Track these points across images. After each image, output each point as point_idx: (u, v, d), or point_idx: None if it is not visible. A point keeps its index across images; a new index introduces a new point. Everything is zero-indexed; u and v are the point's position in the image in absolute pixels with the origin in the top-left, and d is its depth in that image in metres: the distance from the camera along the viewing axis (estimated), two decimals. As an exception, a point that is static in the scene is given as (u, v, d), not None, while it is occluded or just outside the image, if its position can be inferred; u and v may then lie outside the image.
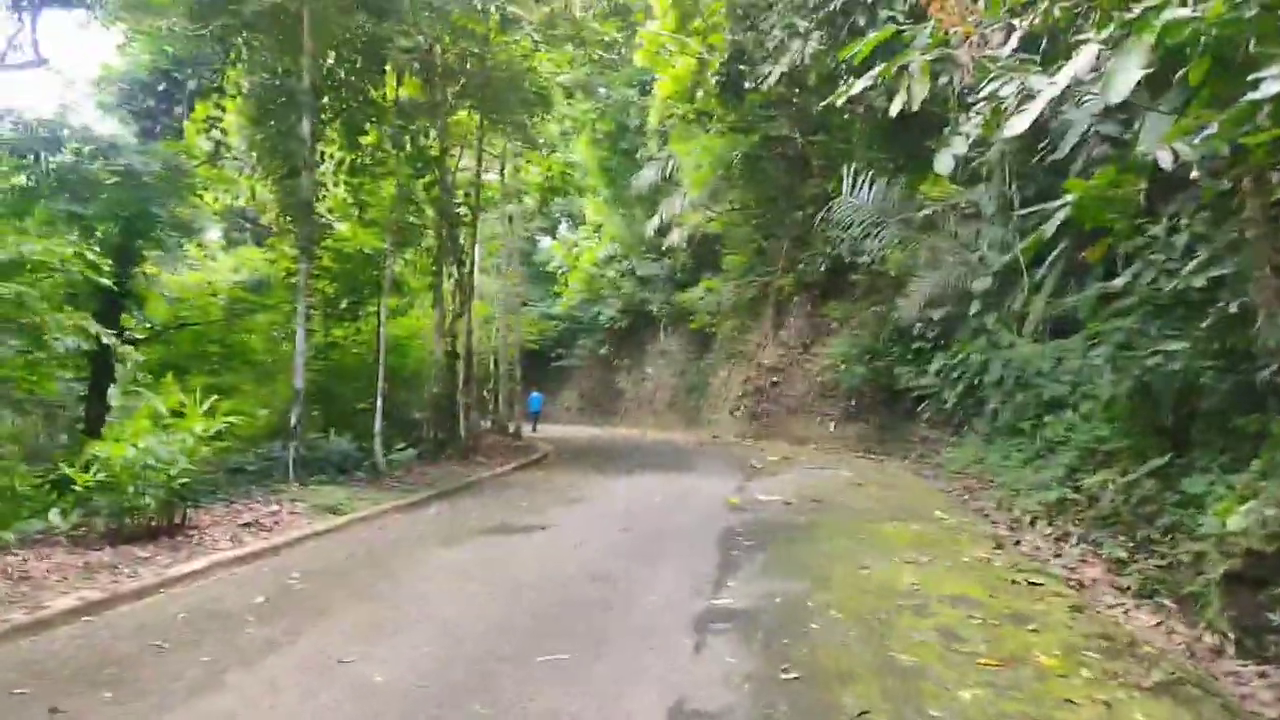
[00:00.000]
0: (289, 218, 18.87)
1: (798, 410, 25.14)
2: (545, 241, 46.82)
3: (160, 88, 16.97)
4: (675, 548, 8.38)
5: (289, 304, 19.97)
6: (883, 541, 8.62)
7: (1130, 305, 7.60)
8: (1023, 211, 10.43)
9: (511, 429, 26.05)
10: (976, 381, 14.59)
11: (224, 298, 18.00)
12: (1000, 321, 11.94)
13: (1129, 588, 6.59)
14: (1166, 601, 6.12)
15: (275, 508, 10.28)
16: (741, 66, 23.58)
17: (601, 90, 34.65)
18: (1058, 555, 8.13)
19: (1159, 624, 5.84)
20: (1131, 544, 7.14)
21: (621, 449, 22.81)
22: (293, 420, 12.18)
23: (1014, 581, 6.86)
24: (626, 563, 7.58)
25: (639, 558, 7.83)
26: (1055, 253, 9.68)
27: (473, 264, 22.47)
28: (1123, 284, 7.80)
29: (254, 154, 19.17)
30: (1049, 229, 8.43)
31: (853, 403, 21.18)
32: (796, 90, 24.02)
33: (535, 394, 34.69)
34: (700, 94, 26.68)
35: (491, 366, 29.92)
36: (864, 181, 13.69)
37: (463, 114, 25.55)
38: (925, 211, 13.28)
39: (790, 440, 23.98)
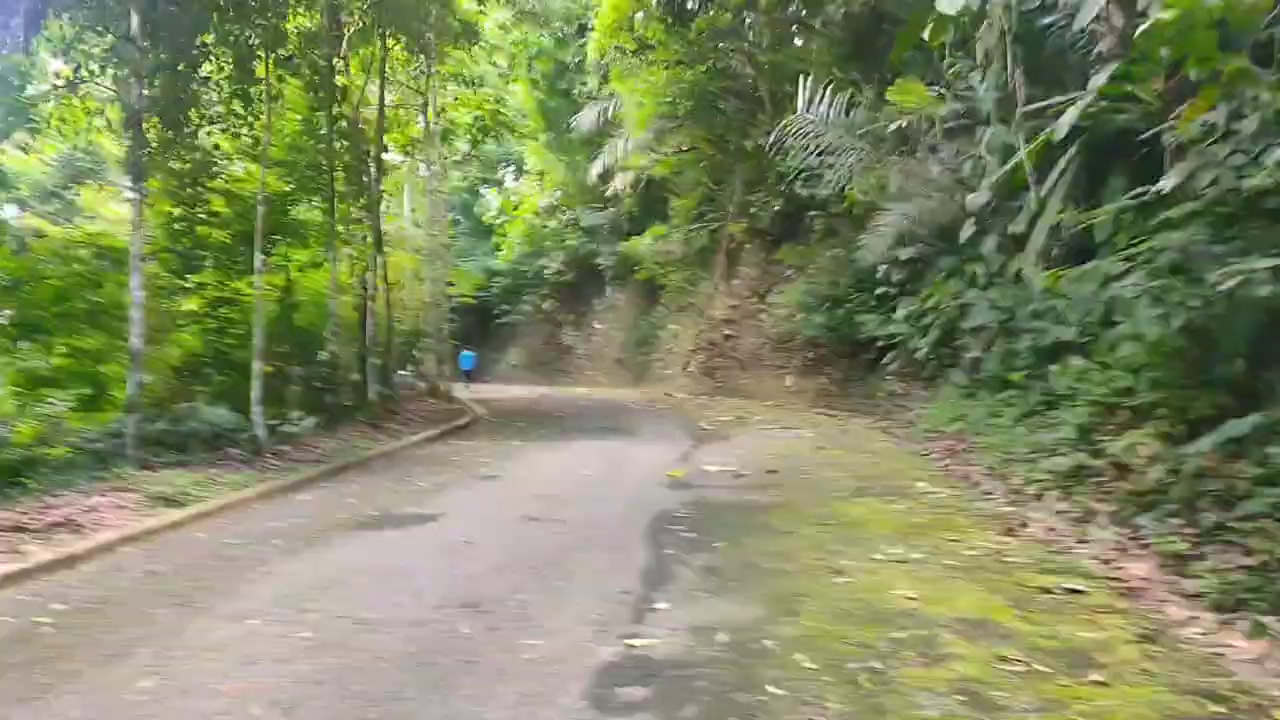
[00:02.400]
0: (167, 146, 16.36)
1: (752, 365, 23.34)
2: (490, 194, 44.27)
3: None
4: (591, 547, 6.42)
5: (172, 255, 17.58)
6: (859, 528, 6.77)
7: (1184, 215, 5.74)
8: (1029, 108, 8.54)
9: (443, 390, 23.87)
10: (953, 328, 12.84)
11: (89, 248, 15.39)
12: (999, 248, 10.00)
13: (1201, 595, 4.80)
14: (1267, 619, 4.33)
15: (100, 499, 8.13)
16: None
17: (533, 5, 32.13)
18: (1083, 541, 6.35)
19: (1268, 657, 4.05)
20: (1194, 532, 5.35)
21: (561, 410, 20.82)
22: (129, 389, 9.91)
23: (1045, 590, 5.04)
24: (519, 575, 5.61)
25: (538, 565, 5.86)
26: (1066, 158, 7.82)
27: (378, 208, 20.08)
28: (1171, 187, 5.91)
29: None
30: (1062, 127, 6.54)
31: (810, 355, 19.40)
32: (747, 12, 21.86)
33: (467, 352, 32.54)
34: (643, 21, 24.24)
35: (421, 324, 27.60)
36: (822, 98, 11.62)
37: (374, 46, 23.06)
38: (897, 125, 11.29)
39: (745, 397, 22.20)
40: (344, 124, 18.67)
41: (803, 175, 15.99)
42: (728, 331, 25.31)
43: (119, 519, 7.63)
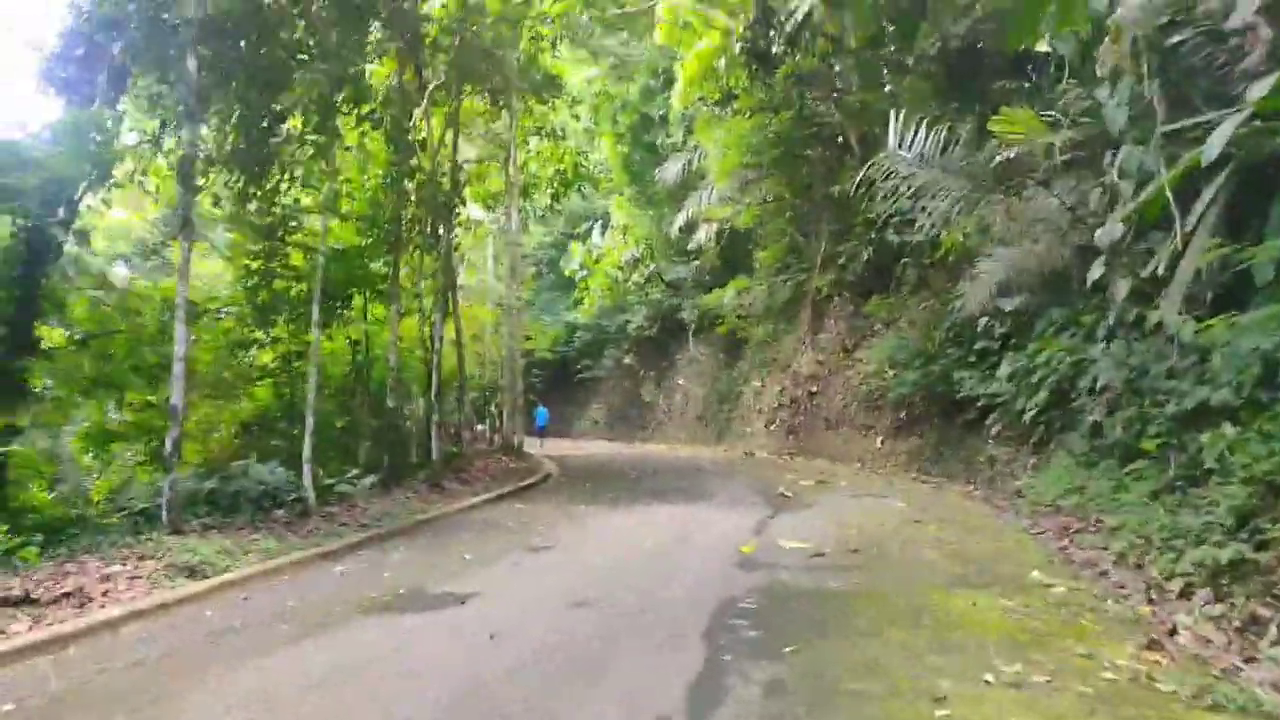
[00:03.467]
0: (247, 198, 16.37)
1: (839, 424, 21.96)
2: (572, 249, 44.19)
3: (78, 53, 14.46)
4: (638, 645, 5.40)
5: (247, 308, 17.51)
6: (962, 631, 5.55)
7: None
8: (1168, 128, 7.31)
9: (516, 446, 23.21)
10: (1066, 387, 11.41)
11: (157, 301, 15.35)
12: (1130, 295, 8.56)
13: None
14: None
15: (120, 568, 7.54)
16: (771, 30, 20.67)
17: (613, 56, 32.06)
18: (1251, 660, 5.02)
19: None
20: None
21: (636, 469, 19.84)
22: (167, 447, 9.39)
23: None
24: (540, 684, 4.63)
25: (567, 671, 4.87)
26: (1216, 186, 6.57)
27: (450, 261, 19.73)
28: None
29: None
30: (1212, 148, 5.38)
31: (903, 414, 17.97)
32: (834, 57, 21.01)
33: (541, 408, 31.91)
34: (725, 69, 23.65)
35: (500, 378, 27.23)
36: (914, 135, 10.55)
37: (450, 101, 23.14)
38: (1000, 159, 10.05)
39: (831, 458, 20.84)
40: (420, 177, 18.49)
41: (893, 220, 14.82)
42: (813, 388, 24.03)
43: (132, 591, 7.00)
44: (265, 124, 16.21)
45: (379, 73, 20.73)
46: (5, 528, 9.56)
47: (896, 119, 10.49)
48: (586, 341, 42.60)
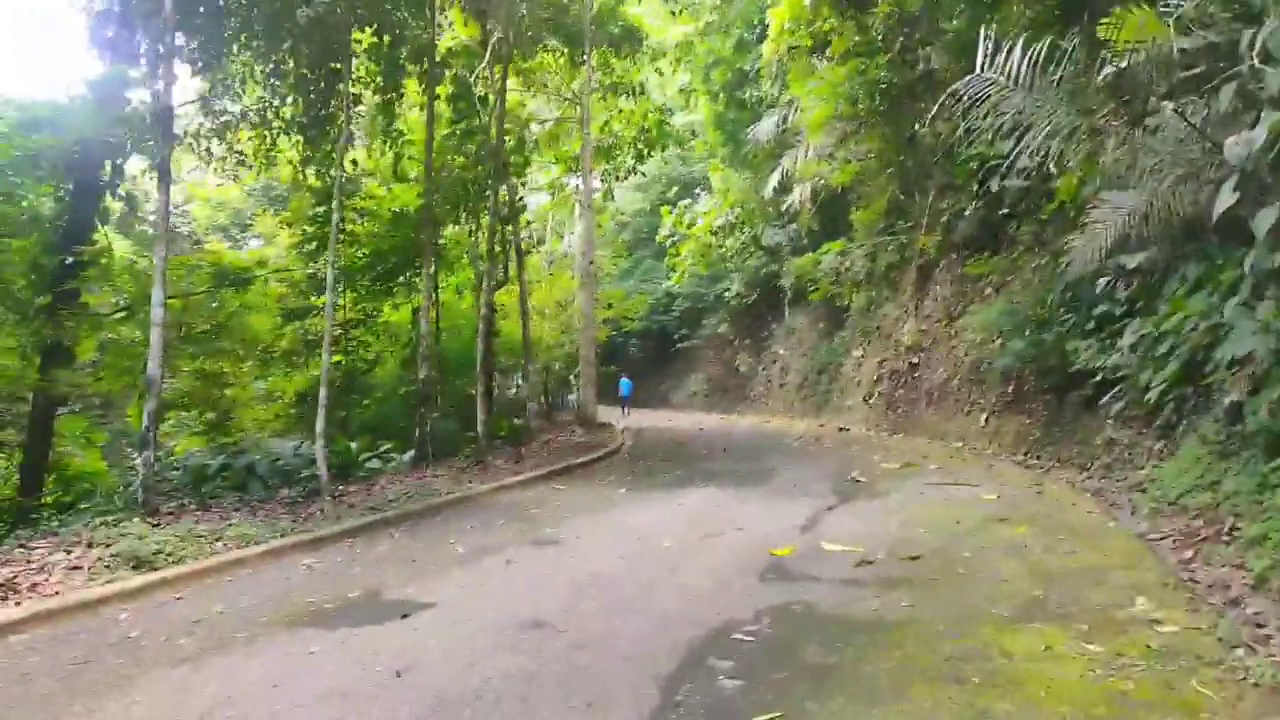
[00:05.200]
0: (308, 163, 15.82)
1: (941, 398, 19.91)
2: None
3: (117, 9, 14.05)
4: (563, 703, 4.13)
5: (303, 275, 17.06)
6: (1018, 699, 4.00)
7: None
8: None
9: (592, 418, 22.20)
10: (1201, 359, 9.37)
11: (206, 269, 14.94)
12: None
13: None
14: None
15: (63, 556, 6.84)
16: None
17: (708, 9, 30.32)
18: None
19: None
20: None
21: (710, 446, 18.49)
22: (144, 422, 8.67)
23: None
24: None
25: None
26: None
27: (515, 222, 18.71)
28: None
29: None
30: None
31: (1010, 389, 15.88)
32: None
33: (625, 380, 30.86)
34: (813, 7, 21.58)
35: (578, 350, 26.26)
36: (1009, 52, 8.56)
37: (536, 58, 22.04)
38: (1111, 71, 7.97)
39: (930, 436, 18.90)
40: (481, 136, 17.54)
41: (996, 165, 12.76)
42: (914, 359, 21.96)
43: (62, 585, 6.24)
44: (323, 83, 15.56)
45: (449, 34, 19.93)
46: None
47: (984, 33, 8.58)
48: (685, 310, 41.29)
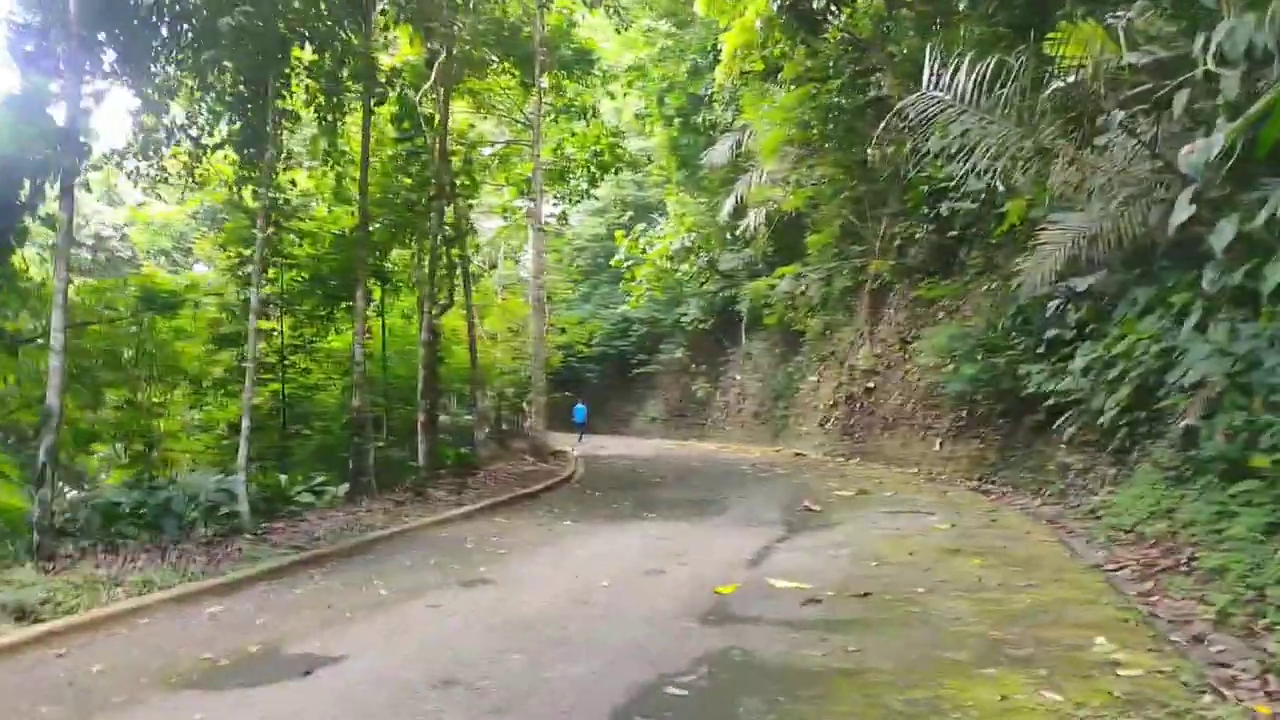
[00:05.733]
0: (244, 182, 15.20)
1: (897, 423, 19.77)
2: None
3: (35, 20, 13.39)
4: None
5: (237, 298, 16.39)
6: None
7: None
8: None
9: (543, 446, 21.68)
10: (1153, 383, 9.23)
11: (132, 292, 14.18)
12: (1240, 242, 6.22)
13: None
14: None
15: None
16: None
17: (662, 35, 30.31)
18: None
19: None
20: None
21: (665, 474, 18.08)
22: (41, 456, 8.00)
23: None
24: None
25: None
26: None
27: (462, 245, 18.25)
28: None
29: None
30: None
31: (963, 414, 15.75)
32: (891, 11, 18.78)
33: (580, 406, 30.41)
34: (764, 30, 21.52)
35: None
36: (956, 70, 8.39)
37: (486, 80, 21.71)
38: (1058, 87, 7.81)
39: (887, 461, 18.73)
40: (426, 156, 17.10)
41: (943, 186, 12.63)
42: (869, 384, 21.84)
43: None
44: (260, 100, 15.00)
45: (397, 55, 19.52)
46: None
47: (931, 52, 8.40)
48: (642, 335, 40.95)
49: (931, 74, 8.31)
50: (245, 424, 10.06)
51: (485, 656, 5.23)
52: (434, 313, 15.06)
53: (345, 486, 12.16)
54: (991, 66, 8.04)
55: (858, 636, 5.45)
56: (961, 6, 12.64)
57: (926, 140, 9.84)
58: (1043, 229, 9.68)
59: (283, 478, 11.73)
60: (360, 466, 12.16)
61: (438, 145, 17.06)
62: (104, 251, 31.75)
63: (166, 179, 14.70)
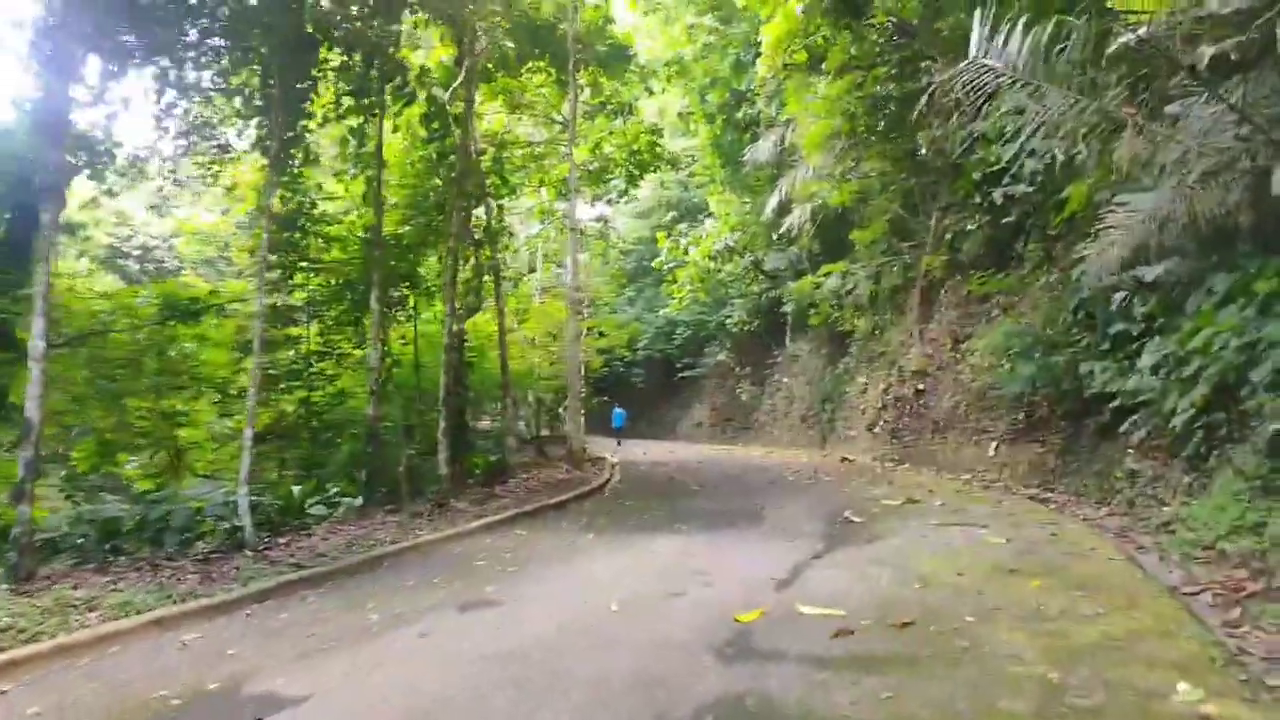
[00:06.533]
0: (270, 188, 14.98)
1: (949, 427, 18.74)
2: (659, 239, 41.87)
3: (54, 24, 13.20)
4: None
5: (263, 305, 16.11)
6: None
7: None
8: None
9: (579, 452, 21.06)
10: (1234, 382, 8.27)
11: (156, 301, 13.92)
12: None
13: None
14: None
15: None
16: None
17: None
18: None
19: None
20: None
21: (703, 481, 17.35)
22: (19, 470, 7.60)
23: None
24: None
25: None
26: None
27: (493, 247, 17.74)
28: None
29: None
30: None
31: (1020, 416, 14.73)
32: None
33: (618, 410, 29.78)
34: (804, 14, 20.67)
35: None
36: (1007, 31, 7.50)
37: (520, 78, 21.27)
38: (1127, 40, 6.85)
39: (938, 467, 17.74)
40: (455, 157, 16.66)
41: (995, 168, 11.68)
42: (920, 386, 20.81)
43: None
44: (288, 103, 14.74)
45: (430, 54, 19.21)
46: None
47: (980, 14, 7.52)
48: (687, 338, 40.27)
49: (982, 40, 7.47)
50: (248, 434, 9.65)
51: (468, 694, 4.63)
52: (454, 315, 14.53)
53: (351, 501, 11.70)
54: (1049, 30, 7.18)
55: (895, 678, 4.71)
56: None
57: (977, 118, 8.96)
58: (1108, 211, 8.74)
59: (297, 489, 11.31)
60: (375, 477, 11.68)
61: (466, 142, 16.60)
62: (151, 262, 32.24)
63: (187, 183, 14.47)
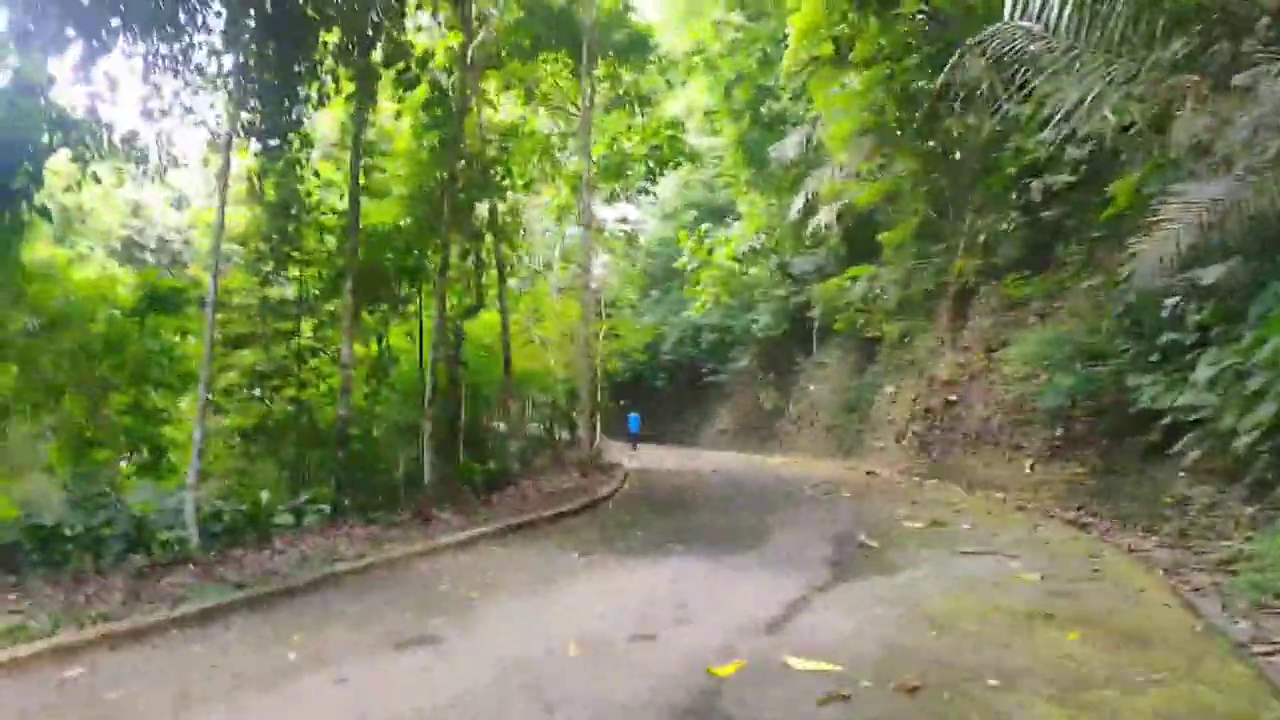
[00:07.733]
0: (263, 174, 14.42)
1: (981, 441, 17.58)
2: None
3: None
4: None
5: (253, 299, 15.45)
6: None
7: None
8: None
9: (591, 458, 20.16)
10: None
11: (136, 289, 13.25)
12: None
13: None
14: None
15: None
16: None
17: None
18: None
19: None
20: None
21: (717, 493, 16.37)
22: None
23: None
24: None
25: None
26: None
27: (497, 241, 16.91)
28: None
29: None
30: None
31: (1058, 432, 13.59)
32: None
33: (633, 415, 28.89)
34: (839, 10, 19.66)
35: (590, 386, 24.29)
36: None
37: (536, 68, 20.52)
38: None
39: (969, 483, 16.54)
40: (460, 147, 15.86)
41: (1032, 156, 10.60)
42: (951, 396, 19.65)
43: None
44: (284, 87, 14.01)
45: (443, 42, 18.46)
46: None
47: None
48: (712, 343, 39.24)
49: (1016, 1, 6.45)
50: (197, 435, 8.84)
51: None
52: (442, 311, 13.69)
53: (319, 509, 10.89)
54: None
55: (890, 767, 3.71)
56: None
57: (1010, 96, 7.91)
58: (1161, 203, 7.65)
59: (265, 494, 10.51)
60: (347, 484, 10.86)
61: (477, 134, 15.82)
62: (167, 254, 32.01)
63: (177, 164, 13.79)
